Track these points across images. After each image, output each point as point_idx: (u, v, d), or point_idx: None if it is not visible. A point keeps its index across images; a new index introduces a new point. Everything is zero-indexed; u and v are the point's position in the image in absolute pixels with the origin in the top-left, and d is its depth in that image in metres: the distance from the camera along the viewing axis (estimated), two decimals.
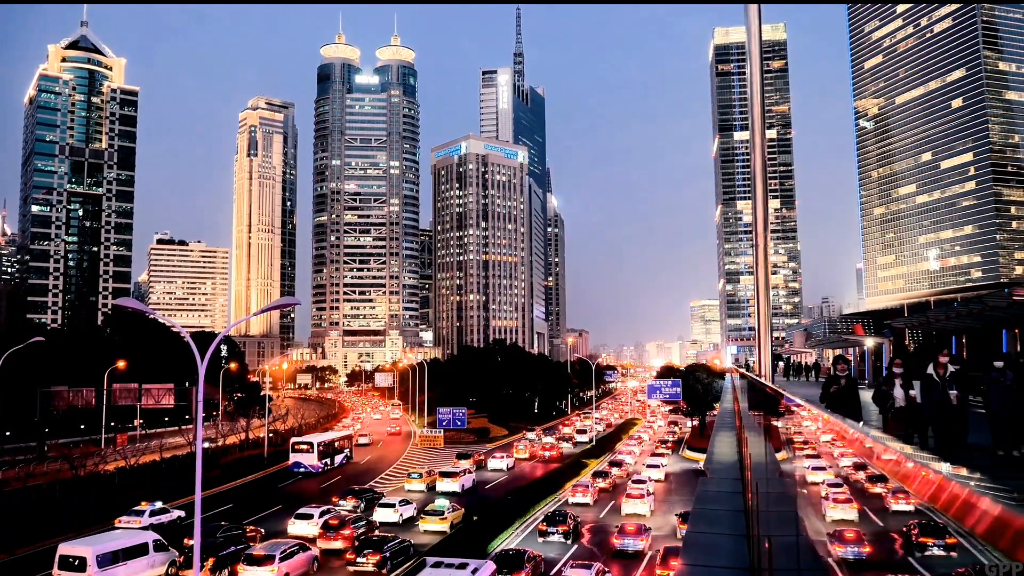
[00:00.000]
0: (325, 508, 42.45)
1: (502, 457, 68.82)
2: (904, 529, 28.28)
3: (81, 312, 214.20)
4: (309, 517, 39.74)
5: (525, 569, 29.30)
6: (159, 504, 44.23)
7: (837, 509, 32.43)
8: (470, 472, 58.38)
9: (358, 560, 32.74)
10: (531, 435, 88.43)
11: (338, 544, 35.66)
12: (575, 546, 37.31)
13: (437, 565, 26.57)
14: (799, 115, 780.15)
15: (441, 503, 43.91)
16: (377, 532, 38.82)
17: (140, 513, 41.53)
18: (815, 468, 33.48)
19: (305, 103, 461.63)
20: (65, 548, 29.66)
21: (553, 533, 37.40)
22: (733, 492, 13.93)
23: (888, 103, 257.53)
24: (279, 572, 29.81)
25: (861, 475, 38.18)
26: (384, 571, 32.09)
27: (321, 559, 34.19)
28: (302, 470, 65.11)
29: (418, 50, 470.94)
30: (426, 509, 43.07)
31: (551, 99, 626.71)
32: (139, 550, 30.90)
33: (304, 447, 66.71)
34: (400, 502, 44.69)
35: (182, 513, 43.91)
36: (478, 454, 70.23)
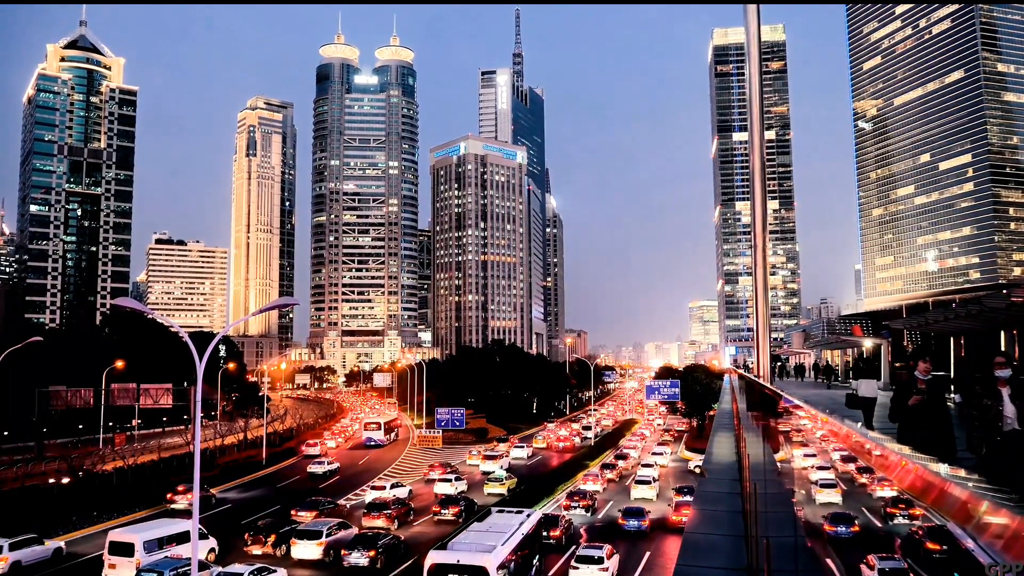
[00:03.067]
0: (395, 482, 52.71)
1: (523, 447, 77.24)
2: (879, 505, 36.97)
3: (79, 312, 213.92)
4: (383, 488, 50.03)
5: (560, 527, 37.97)
6: (398, 481, 54.18)
7: (823, 493, 39.14)
8: (506, 456, 69.68)
9: (443, 512, 43.89)
10: (551, 425, 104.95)
11: (379, 523, 41.28)
12: (594, 517, 44.33)
13: (500, 511, 34.43)
14: (798, 116, 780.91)
15: (500, 473, 57.30)
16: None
17: (382, 489, 50.74)
18: (806, 455, 39.77)
19: (304, 103, 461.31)
20: (115, 535, 32.38)
21: (576, 507, 44.49)
22: (731, 493, 13.93)
23: (887, 104, 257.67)
24: (325, 545, 34.95)
25: (851, 467, 44.19)
26: (460, 519, 41.62)
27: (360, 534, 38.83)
28: (373, 443, 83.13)
29: (417, 50, 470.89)
30: (490, 477, 56.23)
31: (550, 100, 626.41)
32: (182, 537, 33.34)
33: (374, 426, 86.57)
34: (455, 478, 54.43)
35: (412, 488, 53.03)
36: (513, 439, 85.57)
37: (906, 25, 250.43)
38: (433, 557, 25.94)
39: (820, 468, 43.71)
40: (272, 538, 36.48)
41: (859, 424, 15.57)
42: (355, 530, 38.31)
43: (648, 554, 36.78)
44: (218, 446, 76.83)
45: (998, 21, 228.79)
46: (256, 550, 36.04)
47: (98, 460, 62.49)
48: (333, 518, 39.84)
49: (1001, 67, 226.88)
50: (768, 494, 9.50)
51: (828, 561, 32.06)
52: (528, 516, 32.02)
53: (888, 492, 38.28)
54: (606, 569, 30.82)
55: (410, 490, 51.60)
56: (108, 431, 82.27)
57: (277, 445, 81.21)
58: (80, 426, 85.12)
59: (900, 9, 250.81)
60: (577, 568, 30.87)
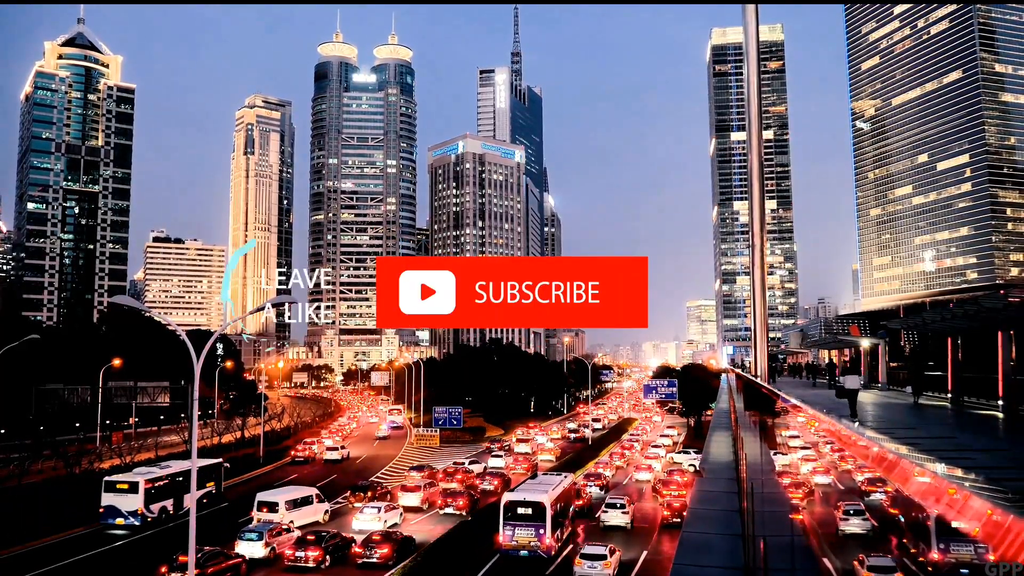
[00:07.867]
0: (472, 459, 65.45)
1: (544, 435, 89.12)
2: (858, 485, 50.22)
3: (77, 310, 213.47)
4: (462, 464, 62.01)
5: (584, 497, 47.38)
6: (474, 458, 66.58)
7: (807, 464, 57.26)
8: (534, 440, 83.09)
9: (517, 469, 61.48)
10: (584, 409, 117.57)
11: (454, 485, 52.82)
12: (607, 494, 52.60)
13: (547, 473, 48.87)
14: (796, 116, 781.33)
15: (550, 444, 77.69)
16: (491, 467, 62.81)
17: (461, 463, 62.20)
18: (792, 437, 65.03)
19: (302, 101, 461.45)
20: (263, 496, 41.83)
21: (591, 485, 52.51)
22: (728, 492, 13.94)
23: (885, 104, 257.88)
24: (423, 498, 47.12)
25: (837, 456, 58.45)
26: (531, 474, 55.58)
27: (440, 492, 49.88)
28: (395, 426, 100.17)
29: (416, 49, 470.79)
30: (544, 448, 74.96)
31: (548, 99, 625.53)
32: (308, 500, 43.29)
33: (396, 411, 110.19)
34: (504, 454, 69.07)
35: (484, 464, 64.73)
36: (540, 426, 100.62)
37: (904, 25, 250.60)
38: (507, 497, 36.96)
39: (803, 448, 63.71)
40: (369, 494, 47.70)
41: (855, 424, 15.57)
42: (441, 486, 50.99)
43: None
44: (215, 444, 76.67)
45: (996, 22, 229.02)
46: (357, 503, 45.92)
47: (95, 458, 62.37)
48: (424, 481, 52.22)
49: (999, 68, 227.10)
50: (765, 493, 9.50)
51: (825, 561, 32.11)
52: (566, 477, 43.61)
53: (867, 475, 49.39)
54: (627, 513, 42.45)
55: (484, 466, 62.98)
56: (105, 429, 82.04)
57: (275, 443, 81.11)
58: (77, 424, 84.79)
59: (898, 9, 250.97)
60: (606, 511, 42.88)
